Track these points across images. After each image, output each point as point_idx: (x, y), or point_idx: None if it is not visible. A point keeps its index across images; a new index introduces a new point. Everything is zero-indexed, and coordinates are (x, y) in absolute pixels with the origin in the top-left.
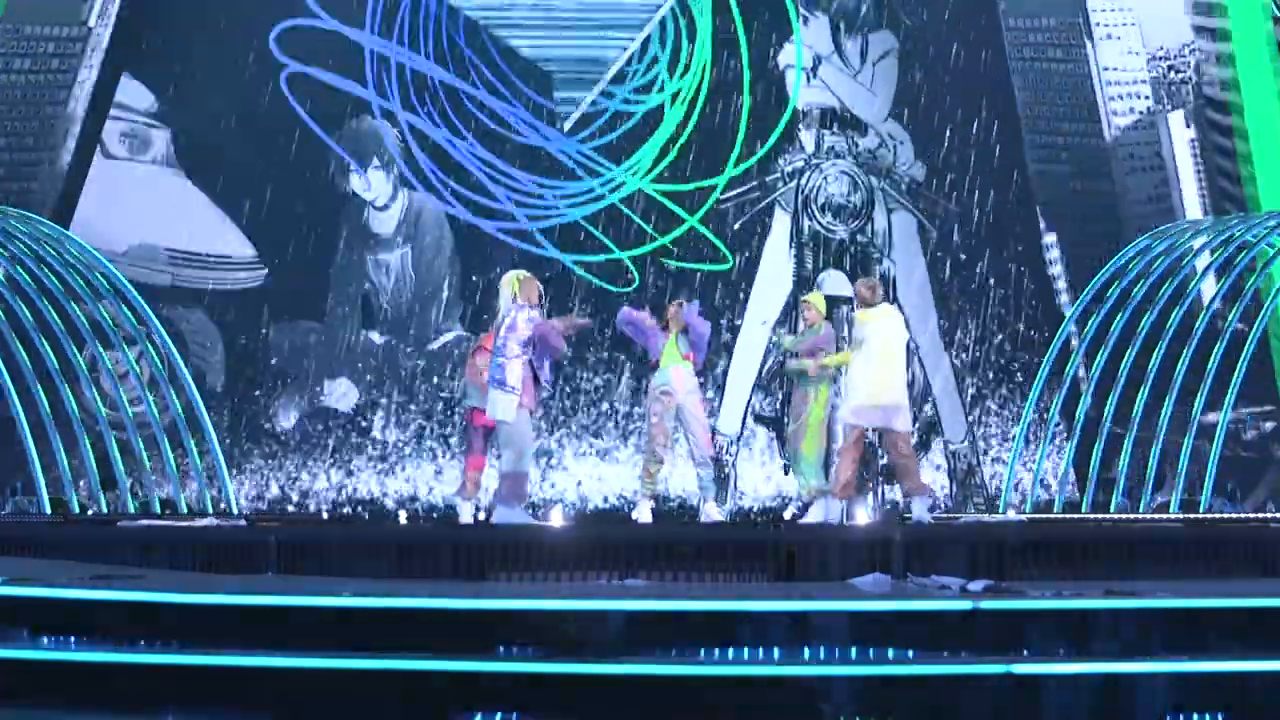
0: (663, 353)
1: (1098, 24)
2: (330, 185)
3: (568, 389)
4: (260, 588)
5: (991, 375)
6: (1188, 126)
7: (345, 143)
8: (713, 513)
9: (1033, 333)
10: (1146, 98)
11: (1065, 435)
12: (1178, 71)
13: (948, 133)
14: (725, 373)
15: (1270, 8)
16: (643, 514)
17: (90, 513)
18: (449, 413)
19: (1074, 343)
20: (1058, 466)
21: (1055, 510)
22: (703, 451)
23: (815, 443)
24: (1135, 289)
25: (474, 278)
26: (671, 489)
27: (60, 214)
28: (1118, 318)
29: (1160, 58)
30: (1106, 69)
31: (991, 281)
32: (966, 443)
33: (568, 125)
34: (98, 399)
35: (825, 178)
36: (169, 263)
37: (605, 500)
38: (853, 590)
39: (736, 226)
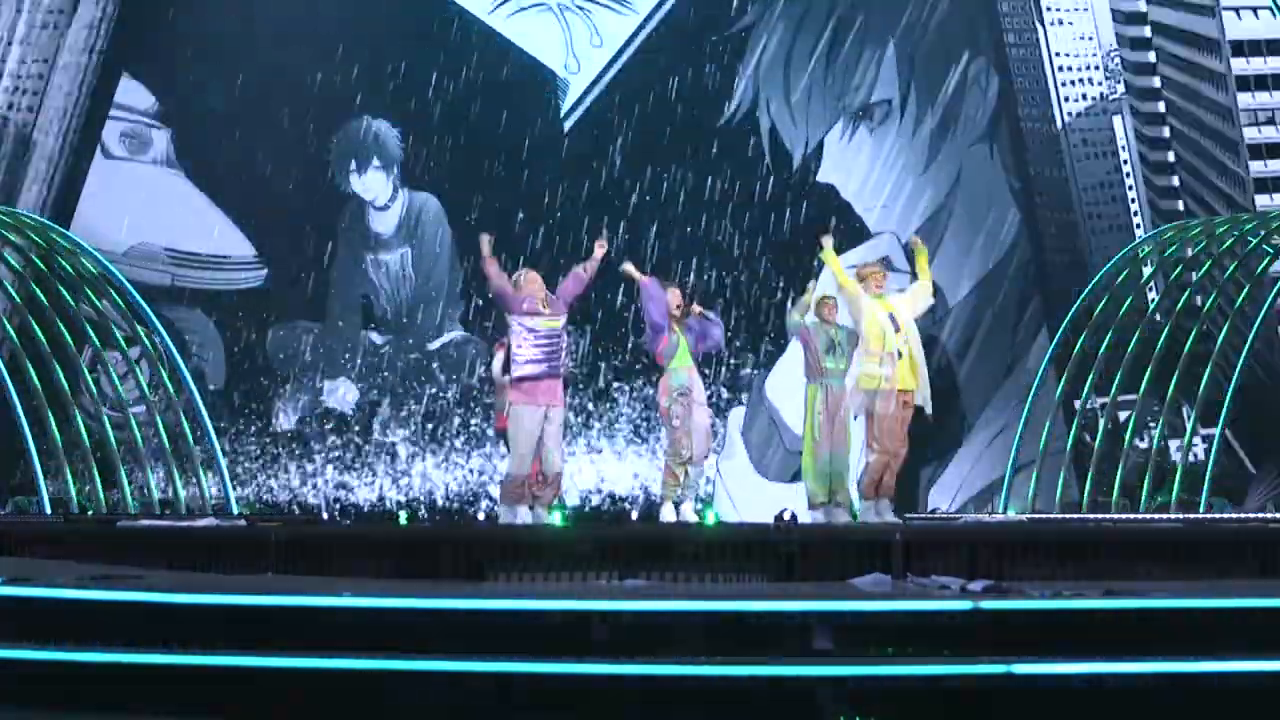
0: (676, 353)
1: (1048, 8)
2: (330, 185)
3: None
4: (260, 588)
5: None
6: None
7: (345, 143)
8: (687, 513)
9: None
10: (1099, 83)
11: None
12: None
13: None
14: None
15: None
16: (667, 515)
17: (90, 513)
18: (449, 412)
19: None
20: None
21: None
22: (701, 451)
23: (811, 450)
24: (1138, 286)
25: (474, 277)
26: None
27: (60, 214)
28: (1118, 316)
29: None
30: (1057, 54)
31: None
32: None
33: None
34: (98, 399)
35: None
36: (169, 263)
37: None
38: (853, 590)
39: None
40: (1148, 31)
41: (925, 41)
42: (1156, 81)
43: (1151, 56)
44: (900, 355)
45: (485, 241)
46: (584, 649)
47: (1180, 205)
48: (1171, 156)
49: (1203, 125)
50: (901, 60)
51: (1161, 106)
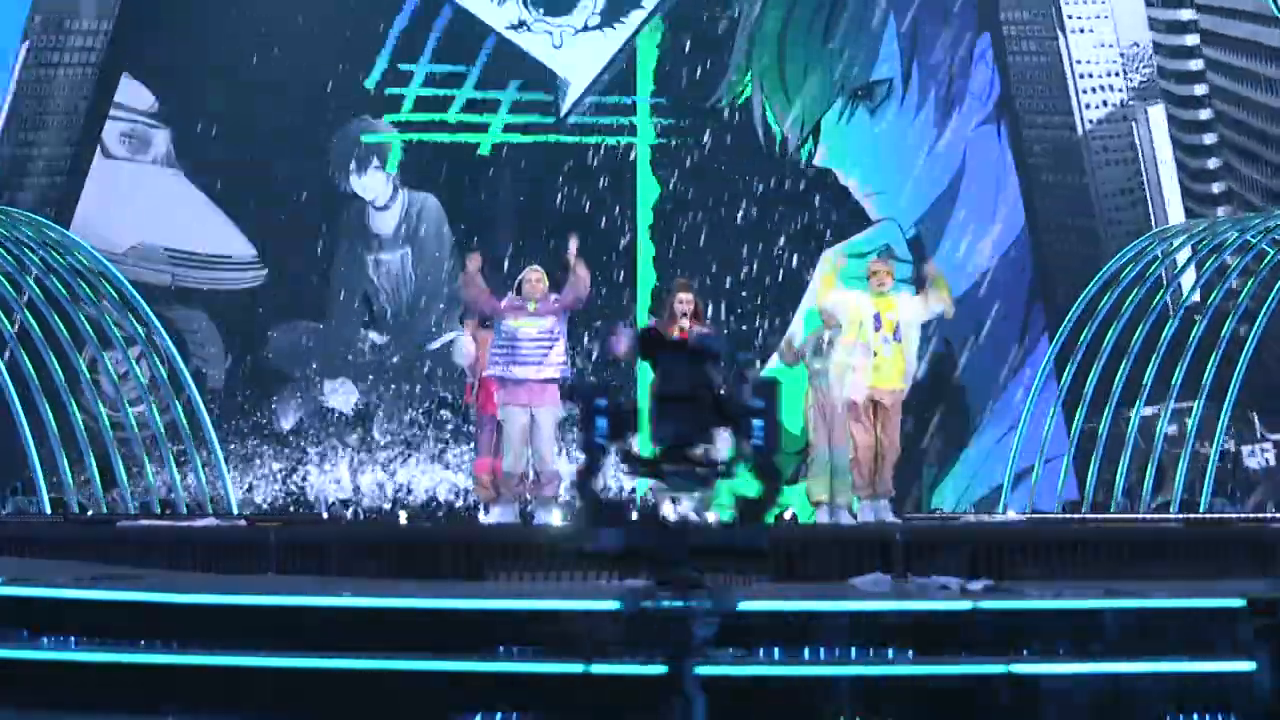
0: None
1: (1070, 16)
2: (330, 185)
3: None
4: (260, 588)
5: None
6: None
7: (345, 143)
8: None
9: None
10: (1120, 90)
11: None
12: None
13: None
14: None
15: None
16: (666, 513)
17: (90, 513)
18: (449, 412)
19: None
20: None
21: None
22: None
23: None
24: (1133, 291)
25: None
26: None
27: (60, 214)
28: (1116, 320)
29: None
30: (1079, 61)
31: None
32: None
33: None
34: (98, 399)
35: None
36: (169, 263)
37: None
38: (853, 590)
39: None
40: (1190, 40)
41: (927, 16)
42: (1199, 90)
43: (1196, 65)
44: (874, 354)
45: (474, 260)
46: (584, 649)
47: (1219, 212)
48: (1213, 164)
49: (1250, 131)
50: (903, 36)
51: (1204, 115)
